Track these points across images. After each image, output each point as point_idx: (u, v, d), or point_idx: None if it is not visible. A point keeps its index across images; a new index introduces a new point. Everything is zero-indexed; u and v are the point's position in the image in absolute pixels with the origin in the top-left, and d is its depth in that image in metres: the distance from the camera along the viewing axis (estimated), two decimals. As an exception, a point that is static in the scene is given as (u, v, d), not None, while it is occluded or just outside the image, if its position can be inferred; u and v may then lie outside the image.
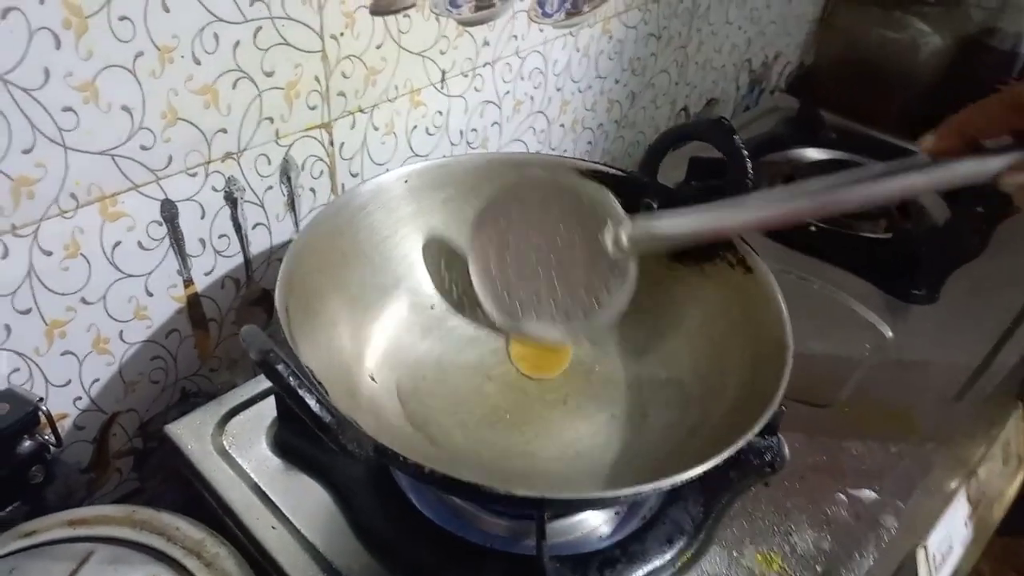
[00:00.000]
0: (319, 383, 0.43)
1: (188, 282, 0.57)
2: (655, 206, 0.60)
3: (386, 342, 0.56)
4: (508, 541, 0.50)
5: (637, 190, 0.61)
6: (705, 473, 0.41)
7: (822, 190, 0.47)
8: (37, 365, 0.51)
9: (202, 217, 0.55)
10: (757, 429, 0.43)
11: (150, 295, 0.55)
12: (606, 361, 0.59)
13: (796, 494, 0.55)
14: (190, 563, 0.47)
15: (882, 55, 1.09)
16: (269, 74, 0.54)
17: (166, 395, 0.60)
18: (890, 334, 0.69)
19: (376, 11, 0.58)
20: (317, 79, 0.57)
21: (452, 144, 0.72)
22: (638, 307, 0.60)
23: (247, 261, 0.60)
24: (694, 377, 0.55)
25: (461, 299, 0.61)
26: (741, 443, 0.42)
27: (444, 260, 0.61)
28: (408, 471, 0.39)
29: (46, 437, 0.52)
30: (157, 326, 0.57)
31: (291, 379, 0.35)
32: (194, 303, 0.58)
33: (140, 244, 0.53)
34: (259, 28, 0.52)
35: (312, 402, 0.36)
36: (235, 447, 0.55)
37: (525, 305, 0.56)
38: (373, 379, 0.53)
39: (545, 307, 0.56)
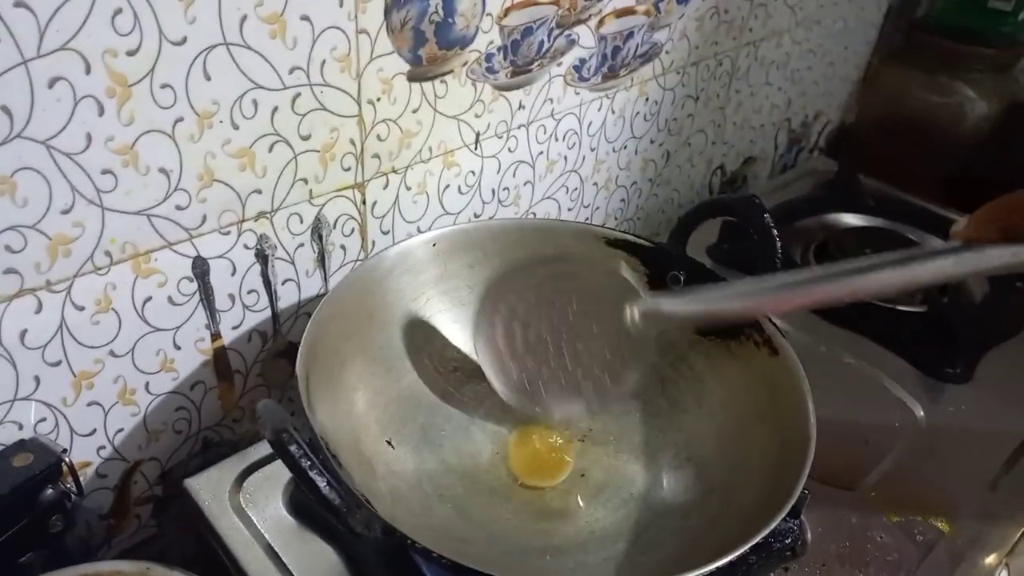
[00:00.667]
0: (334, 455, 0.43)
1: (216, 336, 0.58)
2: (682, 278, 0.60)
3: (407, 407, 0.56)
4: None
5: (665, 261, 0.61)
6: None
7: (849, 273, 0.46)
8: (64, 415, 0.52)
9: (232, 274, 0.56)
10: (772, 526, 0.42)
11: (177, 348, 0.56)
12: (625, 436, 0.58)
13: (817, 582, 0.53)
14: (199, 624, 0.47)
15: (925, 119, 1.07)
16: (305, 138, 0.55)
17: (188, 444, 0.61)
18: (921, 413, 0.67)
19: (413, 77, 0.59)
20: (352, 142, 0.58)
21: (484, 202, 0.72)
22: (662, 379, 0.59)
23: (275, 315, 0.61)
24: (717, 461, 0.54)
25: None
26: (756, 539, 0.41)
27: (470, 325, 0.61)
28: (417, 553, 0.39)
29: (68, 486, 0.52)
30: (183, 378, 0.58)
31: (303, 461, 0.35)
32: (220, 356, 0.59)
33: (170, 299, 0.54)
34: (298, 95, 0.53)
35: (322, 484, 0.36)
36: (251, 505, 0.55)
37: (533, 381, 0.55)
38: (391, 445, 0.53)
39: (555, 382, 0.55)
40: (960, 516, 0.59)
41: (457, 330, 0.61)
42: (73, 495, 0.53)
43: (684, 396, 0.58)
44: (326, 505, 0.36)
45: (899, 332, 0.75)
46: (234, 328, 0.59)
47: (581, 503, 0.54)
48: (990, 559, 0.57)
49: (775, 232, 0.54)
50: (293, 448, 0.35)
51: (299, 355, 0.47)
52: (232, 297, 0.57)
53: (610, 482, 0.55)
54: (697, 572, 0.40)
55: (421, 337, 0.59)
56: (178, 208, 0.51)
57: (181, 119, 0.48)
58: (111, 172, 0.47)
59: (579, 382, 0.54)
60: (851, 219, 0.93)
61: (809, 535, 0.56)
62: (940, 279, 0.46)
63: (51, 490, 0.51)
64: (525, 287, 0.55)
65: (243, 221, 0.55)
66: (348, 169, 0.59)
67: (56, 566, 0.50)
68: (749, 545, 0.41)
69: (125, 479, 0.58)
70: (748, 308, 0.51)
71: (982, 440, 0.65)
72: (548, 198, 0.78)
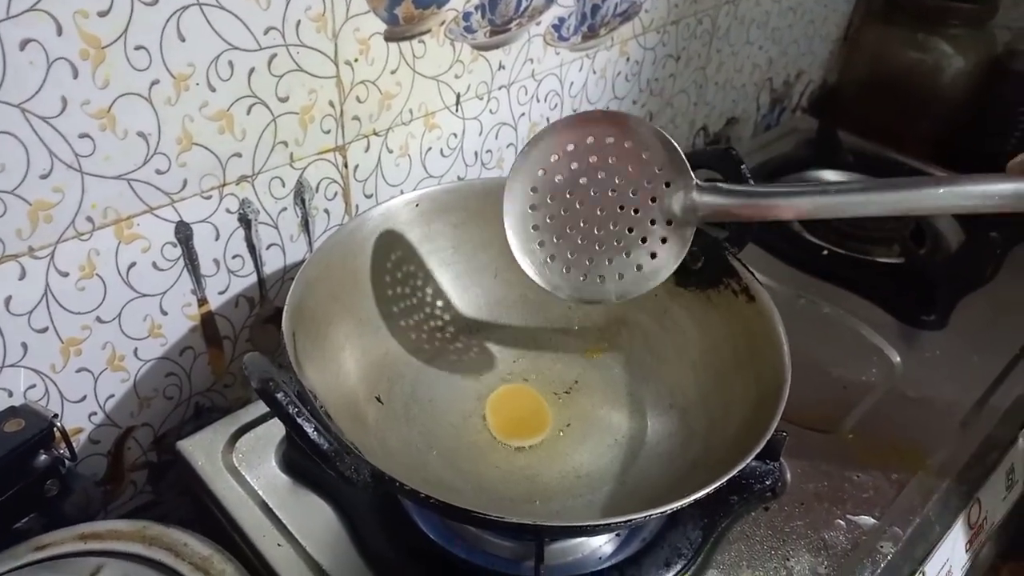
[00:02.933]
0: (322, 408, 0.44)
1: (202, 301, 0.58)
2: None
3: (394, 365, 0.57)
4: (511, 563, 0.51)
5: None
6: (706, 497, 0.42)
7: (904, 186, 0.45)
8: (53, 381, 0.53)
9: (216, 238, 0.57)
10: (745, 463, 0.43)
11: (164, 314, 0.57)
12: (609, 387, 0.60)
13: (796, 519, 0.55)
14: (196, 579, 0.48)
15: (906, 76, 1.08)
16: (284, 100, 0.55)
17: (180, 410, 0.62)
18: (898, 359, 0.69)
19: (391, 37, 0.59)
20: (331, 104, 0.58)
21: (467, 165, 0.73)
22: (644, 332, 0.60)
23: (261, 281, 0.61)
24: (698, 408, 0.55)
25: (472, 322, 0.62)
26: (727, 477, 0.42)
27: (454, 283, 0.62)
28: (406, 496, 0.40)
29: (61, 452, 0.53)
30: (171, 344, 0.58)
31: (290, 407, 0.36)
32: (208, 321, 0.60)
33: (155, 265, 0.54)
34: (274, 55, 0.53)
35: (310, 430, 0.37)
36: (245, 464, 0.56)
37: (559, 258, 0.51)
38: (380, 401, 0.54)
39: (580, 264, 0.51)
40: (933, 455, 0.60)
41: (443, 289, 0.62)
42: (67, 460, 0.54)
43: (666, 348, 0.59)
44: (315, 451, 0.37)
45: (877, 282, 0.76)
46: (220, 293, 0.60)
47: (567, 452, 0.55)
48: (960, 494, 0.59)
49: (752, 183, 0.55)
50: (280, 396, 0.36)
51: (284, 314, 0.48)
52: (217, 262, 0.58)
53: (595, 431, 0.57)
54: (676, 504, 0.41)
55: (407, 297, 0.60)
56: (158, 172, 0.51)
57: (157, 82, 0.48)
58: (89, 136, 0.47)
59: (606, 267, 0.51)
60: (831, 175, 0.94)
61: (788, 476, 0.57)
62: (990, 206, 0.44)
63: (44, 455, 0.52)
64: (564, 153, 0.50)
65: (224, 185, 0.55)
66: (328, 132, 0.59)
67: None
68: (724, 480, 0.42)
69: (118, 445, 0.59)
70: (802, 207, 0.48)
71: (955, 383, 0.67)
72: (530, 160, 0.79)
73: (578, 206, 0.51)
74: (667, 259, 0.50)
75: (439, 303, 0.62)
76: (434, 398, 0.58)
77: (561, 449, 0.55)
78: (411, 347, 0.59)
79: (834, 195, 0.47)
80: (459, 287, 0.62)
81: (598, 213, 0.51)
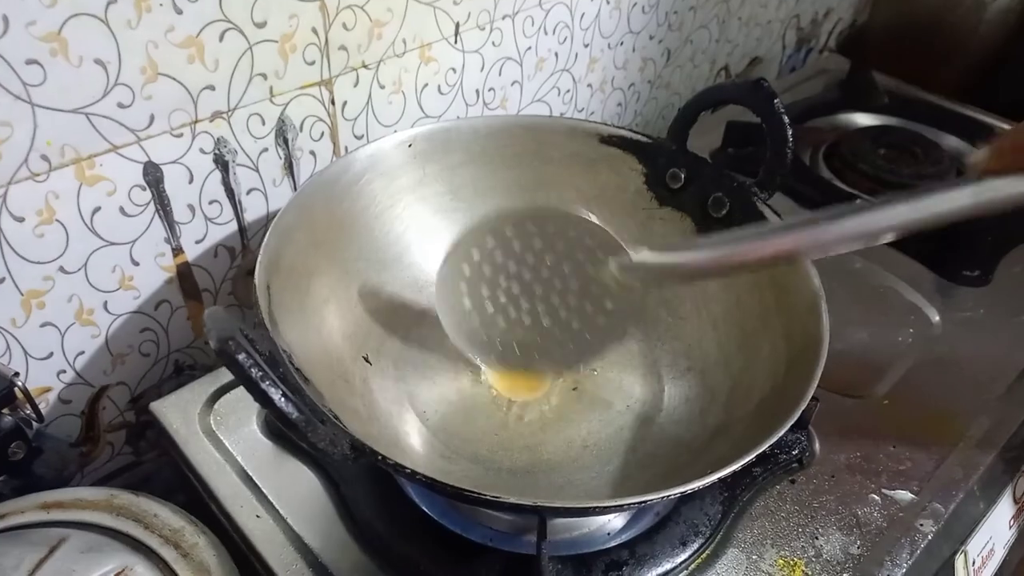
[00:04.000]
0: (299, 370, 0.39)
1: (177, 251, 0.54)
2: (683, 176, 0.55)
3: (383, 322, 0.52)
4: (509, 538, 0.46)
5: (664, 158, 0.56)
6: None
7: (853, 212, 0.39)
8: (14, 337, 0.49)
9: (190, 181, 0.52)
10: (777, 435, 0.38)
11: (136, 264, 0.52)
12: (622, 347, 0.54)
13: (825, 493, 0.50)
14: (166, 553, 0.44)
15: (942, 15, 1.00)
16: (260, 25, 0.49)
17: (158, 368, 0.57)
18: (937, 318, 0.63)
19: (380, -43, 0.53)
20: (315, 31, 0.52)
21: (467, 104, 0.67)
22: (661, 287, 0.55)
23: (241, 229, 0.56)
24: (719, 370, 0.50)
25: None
26: (755, 453, 0.37)
27: (451, 232, 0.56)
28: (389, 470, 0.35)
29: (27, 412, 0.49)
30: (145, 297, 0.54)
31: (253, 371, 0.31)
32: (185, 273, 0.55)
33: (122, 210, 0.49)
34: (247, -26, 0.47)
35: (276, 396, 0.32)
36: (223, 428, 0.52)
37: (505, 339, 0.50)
38: (368, 360, 0.50)
39: (530, 340, 0.50)
40: (975, 423, 0.55)
41: (440, 240, 0.56)
42: (33, 422, 0.50)
43: (684, 304, 0.54)
44: (282, 420, 0.32)
45: (914, 235, 0.70)
46: (197, 243, 0.55)
47: (573, 418, 0.50)
48: (1004, 468, 0.54)
49: (786, 120, 0.49)
50: (242, 357, 0.31)
51: (258, 265, 0.43)
52: (192, 208, 0.53)
53: (605, 395, 0.52)
54: (697, 484, 0.36)
55: (398, 248, 0.55)
56: (121, 106, 0.46)
57: (114, 1, 0.43)
58: (37, 63, 0.41)
59: (556, 338, 0.49)
60: (864, 119, 0.87)
61: (817, 446, 0.52)
62: (957, 215, 0.39)
63: (9, 416, 0.48)
64: (491, 244, 0.49)
65: (197, 122, 0.50)
66: (312, 63, 0.53)
67: (27, 494, 0.47)
68: (752, 456, 0.38)
69: (92, 405, 0.55)
70: (739, 255, 0.43)
71: (998, 344, 0.61)
72: (538, 100, 0.73)
73: (516, 290, 0.49)
74: (614, 325, 0.49)
75: (433, 253, 0.56)
76: (427, 357, 0.53)
77: (567, 415, 0.51)
78: (403, 302, 0.54)
79: (784, 232, 0.41)
80: (456, 236, 0.57)
81: (536, 293, 0.49)
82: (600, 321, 0.48)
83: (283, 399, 0.32)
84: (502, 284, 0.49)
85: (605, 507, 0.39)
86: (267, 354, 0.36)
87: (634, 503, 0.38)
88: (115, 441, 0.58)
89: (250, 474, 0.49)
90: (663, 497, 0.37)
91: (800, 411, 0.39)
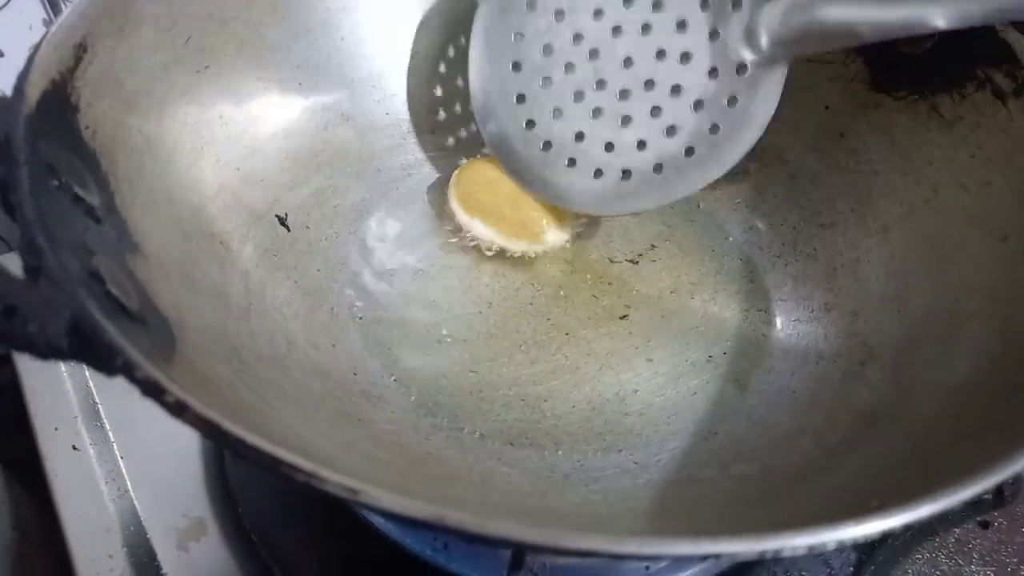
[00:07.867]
0: (110, 201, 0.20)
1: None
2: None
3: (306, 163, 0.32)
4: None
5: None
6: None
7: None
8: None
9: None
10: (992, 479, 0.17)
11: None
12: (712, 260, 0.33)
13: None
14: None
15: None
16: None
17: None
18: None
19: None
20: None
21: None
22: (791, 171, 0.33)
23: None
24: (887, 315, 0.28)
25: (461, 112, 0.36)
26: (972, 491, 0.17)
27: (440, 33, 0.36)
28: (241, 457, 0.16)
29: None
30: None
31: None
32: None
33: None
34: None
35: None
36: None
37: (557, 138, 0.31)
38: (284, 223, 0.30)
39: (597, 140, 0.30)
40: None
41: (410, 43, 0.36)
42: None
43: (833, 200, 0.32)
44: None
45: None
46: None
47: (612, 364, 0.29)
48: None
49: None
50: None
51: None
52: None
53: (671, 334, 0.30)
54: (818, 537, 0.16)
55: (337, 47, 0.34)
56: None
57: None
58: None
59: (632, 149, 0.30)
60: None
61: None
62: None
63: None
64: None
65: None
66: None
67: None
68: (942, 506, 0.17)
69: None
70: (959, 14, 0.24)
71: None
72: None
73: (586, 56, 0.30)
74: (732, 138, 0.28)
75: (402, 65, 0.35)
76: (388, 236, 0.33)
77: (604, 358, 0.30)
78: (347, 138, 0.34)
79: None
80: (450, 33, 0.36)
81: (621, 68, 0.30)
82: (721, 122, 0.28)
83: None
84: (564, 47, 0.30)
85: (625, 553, 0.18)
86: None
87: (689, 554, 0.17)
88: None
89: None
90: (738, 553, 0.16)
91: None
